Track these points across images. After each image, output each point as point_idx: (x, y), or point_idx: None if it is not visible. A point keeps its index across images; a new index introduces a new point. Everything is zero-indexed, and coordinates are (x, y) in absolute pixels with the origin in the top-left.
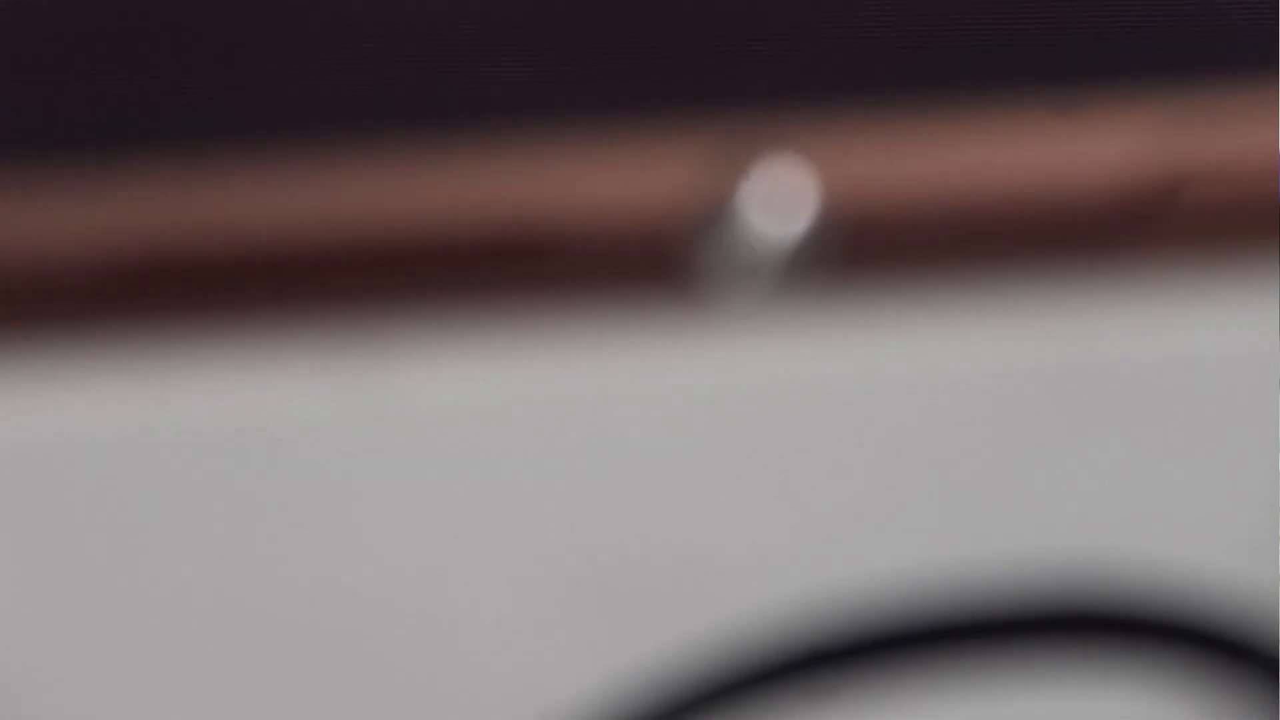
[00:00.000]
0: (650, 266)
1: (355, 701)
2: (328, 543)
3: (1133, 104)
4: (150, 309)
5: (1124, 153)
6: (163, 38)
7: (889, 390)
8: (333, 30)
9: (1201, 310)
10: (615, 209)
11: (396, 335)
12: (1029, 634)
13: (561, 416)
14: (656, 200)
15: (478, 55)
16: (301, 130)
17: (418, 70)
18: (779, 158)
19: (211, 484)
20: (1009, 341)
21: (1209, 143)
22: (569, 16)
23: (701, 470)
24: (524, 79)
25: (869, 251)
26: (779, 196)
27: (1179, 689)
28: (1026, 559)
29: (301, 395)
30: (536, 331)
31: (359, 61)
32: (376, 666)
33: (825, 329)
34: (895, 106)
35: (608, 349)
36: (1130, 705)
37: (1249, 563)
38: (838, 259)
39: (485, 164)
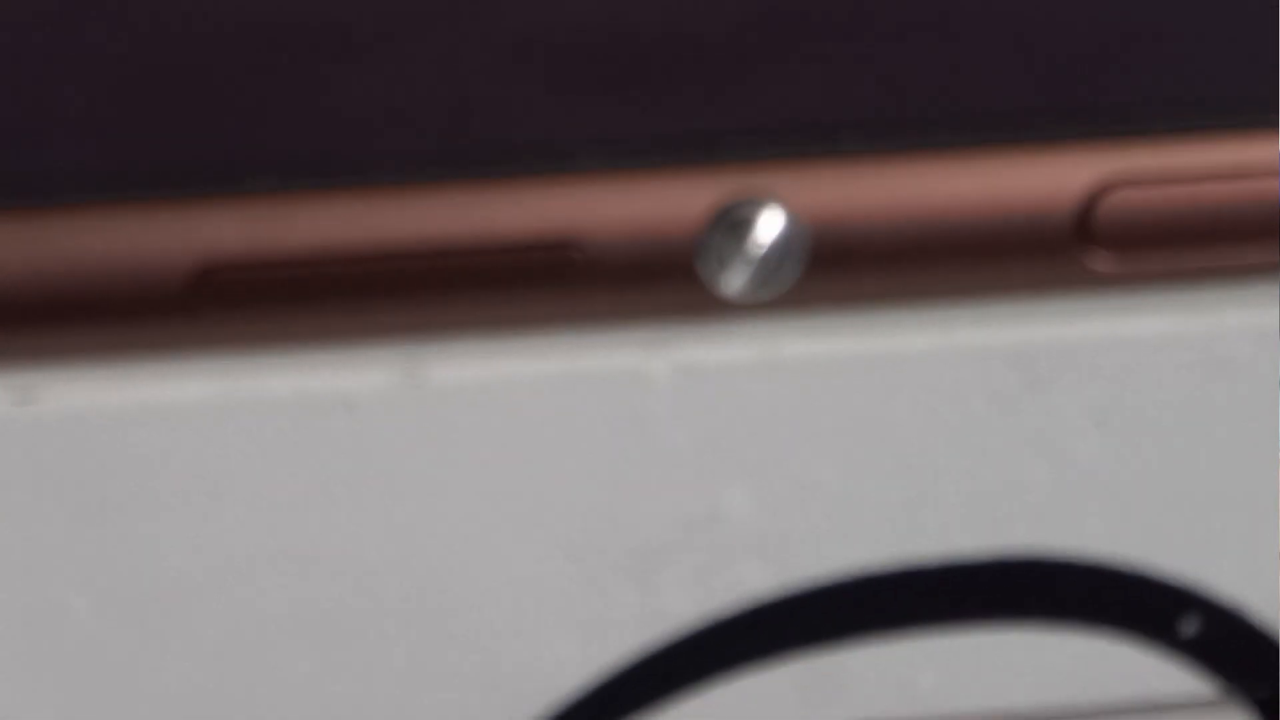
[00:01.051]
0: (661, 271)
1: (412, 643)
2: (386, 497)
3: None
4: (253, 312)
5: (1061, 183)
6: (236, 83)
7: (863, 371)
8: (412, 73)
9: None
10: (634, 224)
11: (460, 327)
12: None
13: (586, 395)
14: (667, 217)
15: (523, 105)
16: (370, 160)
17: (476, 114)
18: (772, 186)
19: (294, 450)
20: (966, 332)
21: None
22: (592, 76)
23: (706, 435)
24: (564, 124)
25: (845, 261)
26: (770, 217)
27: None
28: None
29: (371, 375)
30: (569, 323)
31: (430, 103)
32: (429, 609)
33: (811, 322)
34: (872, 144)
35: (629, 338)
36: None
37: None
38: (816, 266)
39: (530, 187)
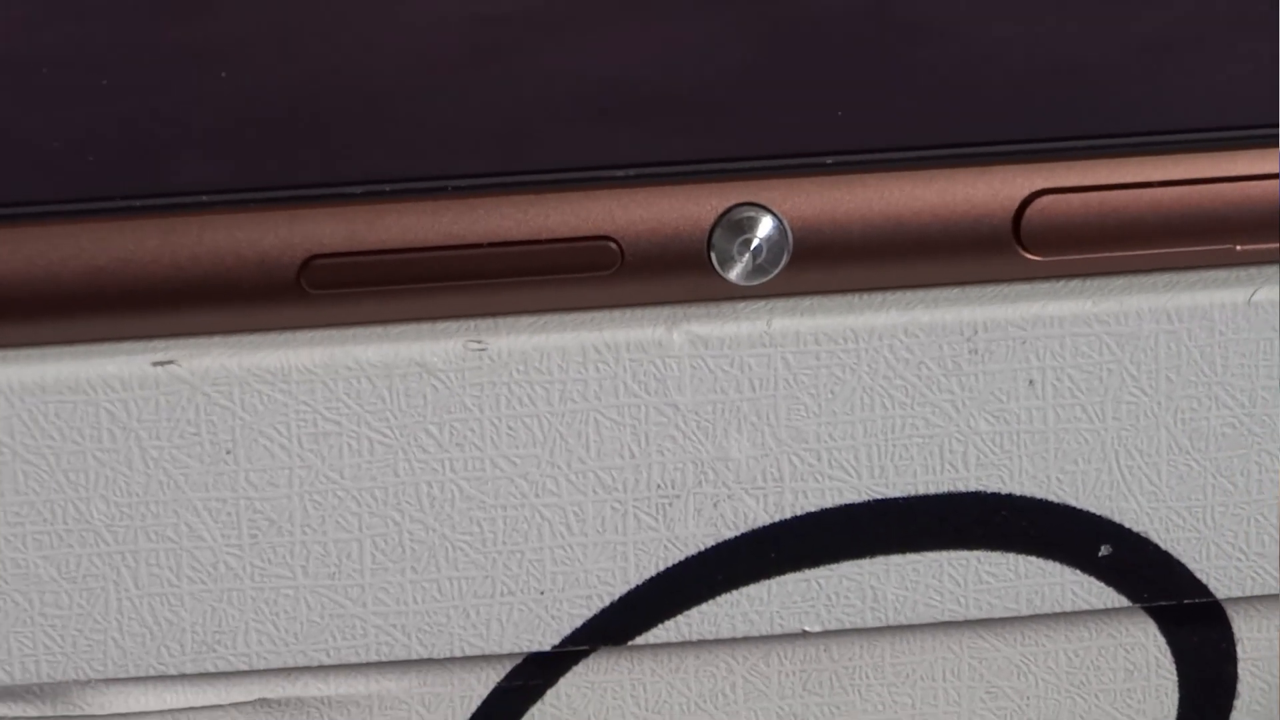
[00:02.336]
0: (679, 261)
1: (480, 561)
2: (456, 444)
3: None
4: (348, 294)
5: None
6: (338, 109)
7: (840, 342)
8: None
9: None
10: (659, 224)
11: (509, 311)
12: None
13: (618, 360)
14: (685, 219)
15: (573, 131)
16: (448, 172)
17: (536, 138)
18: (765, 196)
19: (382, 405)
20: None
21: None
22: (626, 109)
23: (714, 394)
24: (605, 146)
25: (823, 255)
26: (764, 220)
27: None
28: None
29: (432, 350)
30: (606, 302)
31: (499, 127)
32: (492, 533)
33: (796, 303)
34: (845, 163)
35: (653, 314)
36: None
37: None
38: (800, 259)
39: (578, 195)
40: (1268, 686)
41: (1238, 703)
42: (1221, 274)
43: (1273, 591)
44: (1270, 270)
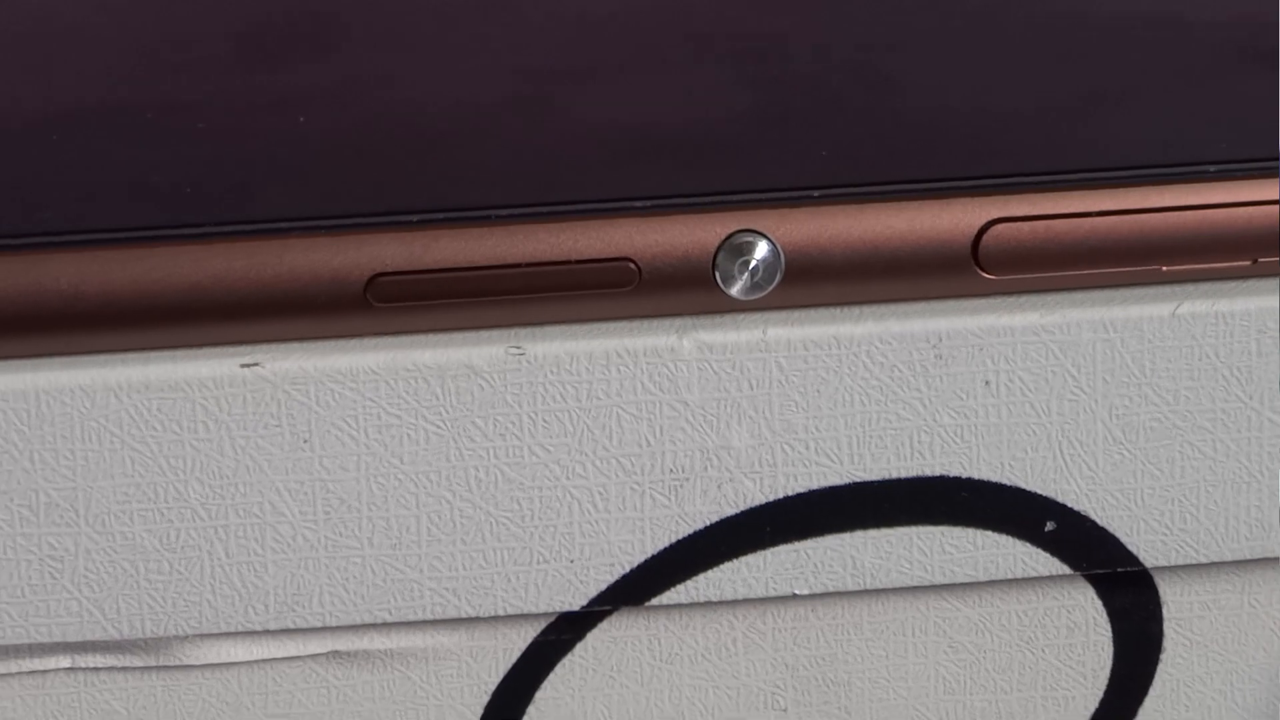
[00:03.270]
0: (688, 279)
1: (517, 533)
2: (498, 433)
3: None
4: (406, 306)
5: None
6: (398, 151)
7: (825, 347)
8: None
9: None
10: (671, 247)
11: (545, 321)
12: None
13: (636, 362)
14: (693, 243)
15: (598, 168)
16: (491, 203)
17: (567, 173)
18: (761, 223)
19: (435, 400)
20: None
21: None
22: (644, 151)
23: (718, 391)
24: (625, 182)
25: (810, 274)
26: (760, 244)
27: None
28: None
29: (481, 352)
30: (626, 313)
31: (534, 166)
32: (528, 508)
33: (788, 315)
34: (828, 196)
35: (666, 324)
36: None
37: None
38: (790, 277)
39: (603, 222)
40: (1189, 643)
41: (1163, 656)
42: (1150, 290)
43: (1193, 561)
44: (1191, 287)
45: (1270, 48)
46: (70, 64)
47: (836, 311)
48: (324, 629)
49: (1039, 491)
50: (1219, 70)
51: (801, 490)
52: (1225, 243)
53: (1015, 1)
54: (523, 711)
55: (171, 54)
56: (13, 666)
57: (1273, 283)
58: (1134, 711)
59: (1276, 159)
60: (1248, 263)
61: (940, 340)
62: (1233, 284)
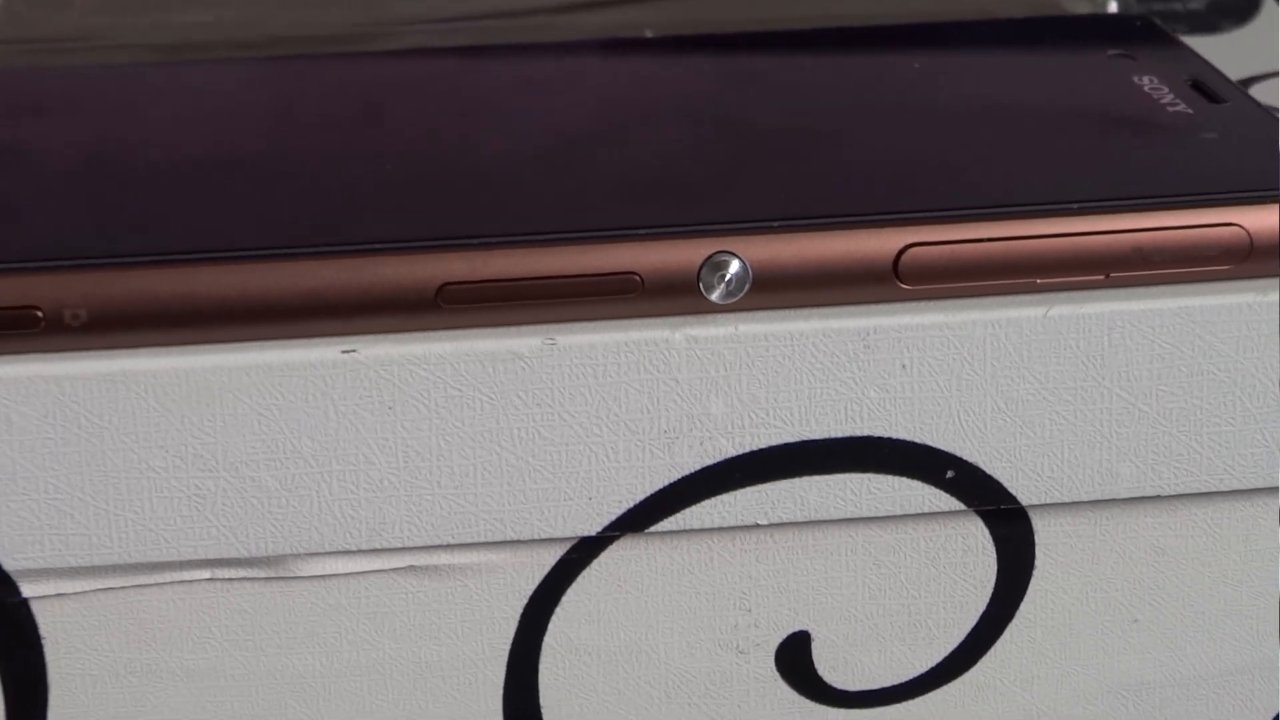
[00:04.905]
0: (679, 288)
1: (542, 482)
2: (536, 403)
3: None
4: (469, 308)
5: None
6: (458, 190)
7: (780, 340)
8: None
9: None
10: (666, 263)
11: (571, 319)
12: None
13: (639, 351)
14: (683, 260)
15: (608, 202)
16: (532, 231)
17: (585, 208)
18: (734, 246)
19: (491, 379)
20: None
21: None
22: (643, 189)
23: (701, 372)
24: (630, 212)
25: (771, 285)
26: (733, 262)
27: None
28: None
29: (523, 343)
30: (631, 315)
31: (559, 201)
32: (552, 462)
33: (755, 315)
34: (785, 225)
35: (662, 322)
36: None
37: None
38: (756, 287)
39: (614, 244)
40: (1055, 563)
41: (1035, 573)
42: (1028, 298)
43: (1058, 500)
44: (1059, 295)
45: (1119, 116)
46: (211, 125)
47: (790, 313)
48: (403, 549)
49: (942, 448)
50: (1079, 133)
51: (763, 446)
52: (1085, 262)
53: (924, 82)
54: (551, 611)
55: (286, 118)
56: (166, 577)
57: (1123, 292)
58: (1012, 613)
59: (1125, 199)
60: (1102, 277)
61: (868, 335)
62: (1091, 293)
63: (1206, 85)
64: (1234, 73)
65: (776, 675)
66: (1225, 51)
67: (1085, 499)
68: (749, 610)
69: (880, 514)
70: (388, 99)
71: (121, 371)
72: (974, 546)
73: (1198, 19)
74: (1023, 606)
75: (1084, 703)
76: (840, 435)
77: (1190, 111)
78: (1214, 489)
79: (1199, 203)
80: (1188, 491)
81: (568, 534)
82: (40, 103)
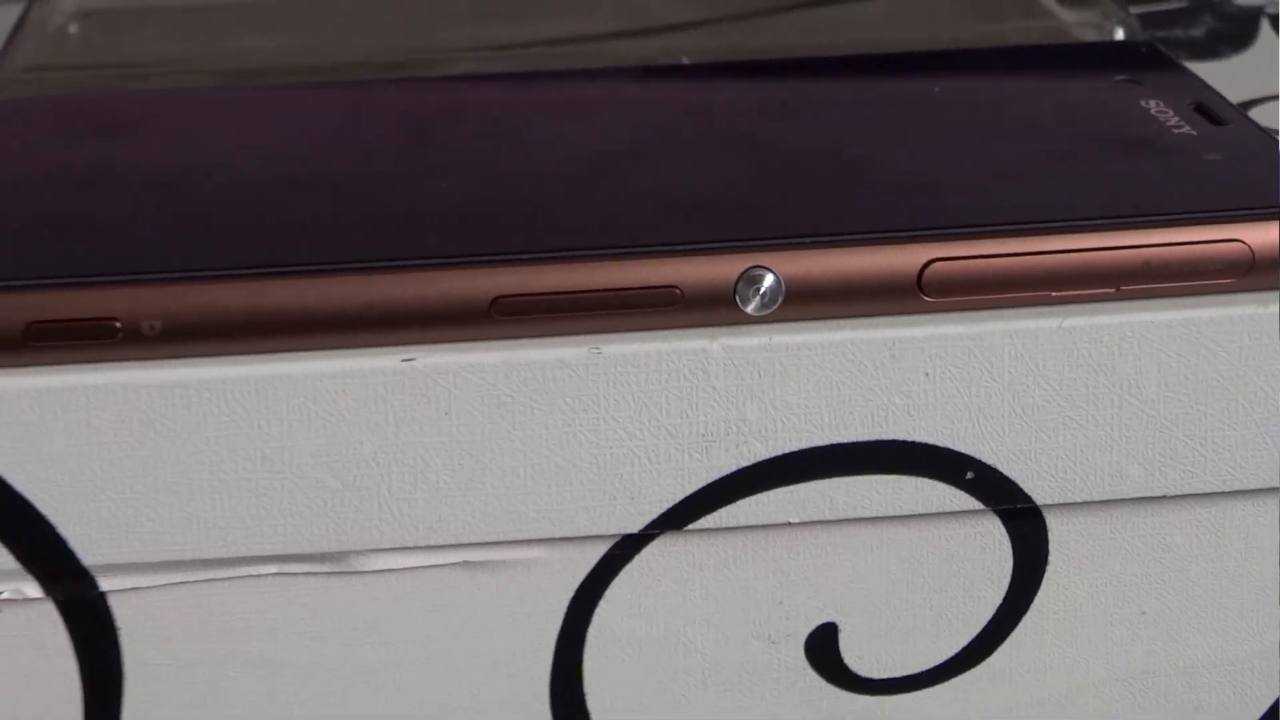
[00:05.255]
0: (717, 300)
1: (586, 476)
2: (581, 403)
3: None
4: (520, 318)
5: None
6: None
7: (812, 350)
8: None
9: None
10: (705, 277)
11: (615, 329)
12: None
13: (680, 360)
14: (720, 274)
15: (654, 222)
16: (572, 244)
17: (631, 226)
18: (768, 261)
19: (538, 383)
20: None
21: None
22: (685, 208)
23: (737, 379)
24: (672, 230)
25: (803, 298)
26: (768, 276)
27: None
28: None
29: (570, 352)
30: (673, 325)
31: (607, 220)
32: (597, 457)
33: (788, 326)
34: (815, 241)
35: (701, 333)
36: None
37: None
38: (789, 300)
39: (657, 260)
40: (1067, 558)
41: (1049, 568)
42: (1044, 309)
43: (1071, 500)
44: (1073, 308)
45: (1127, 138)
46: (274, 146)
47: (821, 324)
48: (457, 545)
49: (963, 451)
50: (1090, 153)
51: (795, 449)
52: (1096, 276)
53: (943, 106)
54: (596, 604)
55: (345, 139)
56: (236, 572)
57: (1132, 304)
58: (1027, 606)
59: (1134, 216)
60: (1113, 290)
61: (894, 344)
62: (1102, 305)
63: (1209, 108)
64: (1234, 96)
65: (806, 664)
66: (1226, 76)
67: (1096, 499)
68: (781, 603)
69: (904, 513)
70: (440, 121)
71: (194, 379)
72: (991, 544)
73: (1199, 46)
74: (1037, 600)
75: (1094, 690)
76: (867, 439)
77: (1194, 133)
78: (1217, 489)
79: (1204, 219)
80: (1192, 492)
81: (611, 531)
82: (113, 125)
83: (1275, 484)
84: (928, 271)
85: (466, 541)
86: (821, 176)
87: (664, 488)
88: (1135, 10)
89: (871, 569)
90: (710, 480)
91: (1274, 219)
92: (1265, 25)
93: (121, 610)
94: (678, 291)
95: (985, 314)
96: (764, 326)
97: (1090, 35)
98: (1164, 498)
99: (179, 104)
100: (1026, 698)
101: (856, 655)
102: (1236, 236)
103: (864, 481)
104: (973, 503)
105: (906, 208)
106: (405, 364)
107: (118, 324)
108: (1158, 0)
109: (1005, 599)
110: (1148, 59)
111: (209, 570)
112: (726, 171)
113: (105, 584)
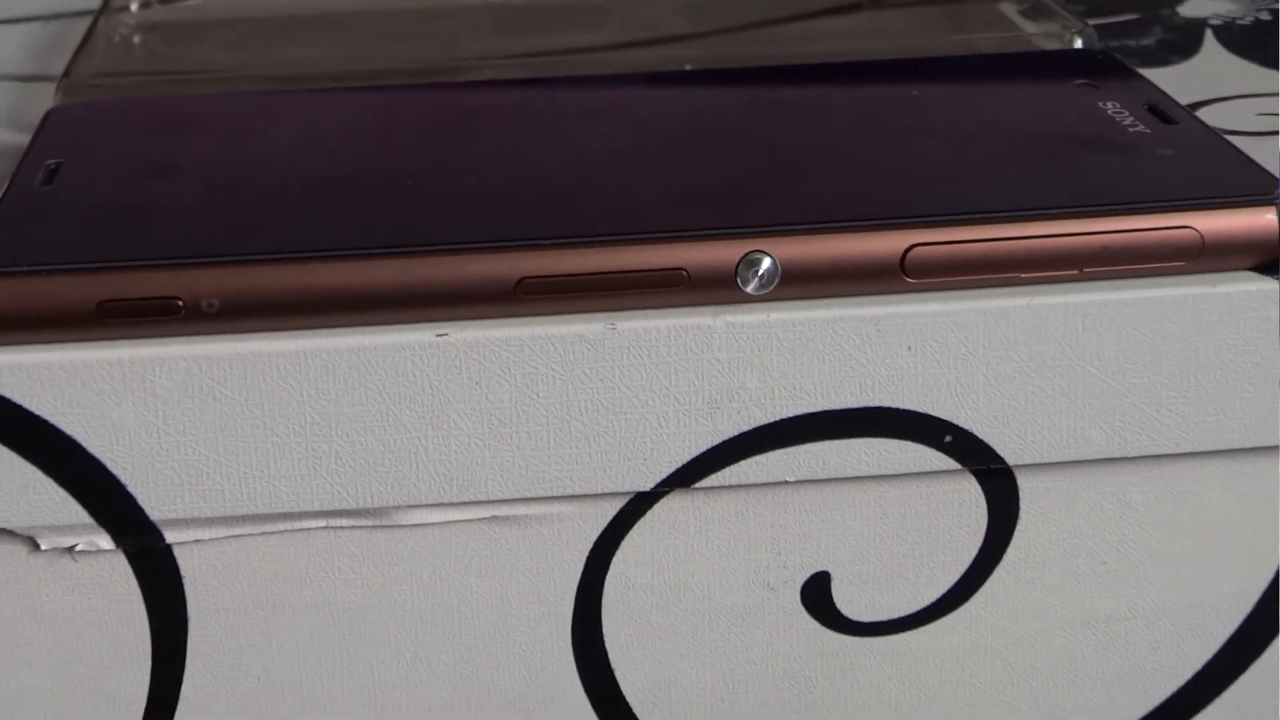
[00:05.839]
0: (719, 281)
1: (602, 442)
2: (597, 374)
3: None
4: (549, 298)
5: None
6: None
7: (805, 326)
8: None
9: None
10: (709, 260)
11: (628, 308)
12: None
13: (686, 335)
14: (722, 258)
15: (664, 210)
16: (590, 230)
17: (643, 214)
18: (766, 245)
19: (560, 356)
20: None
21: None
22: (689, 198)
23: (738, 353)
24: (679, 218)
25: (797, 279)
26: (765, 260)
27: None
28: None
29: (588, 328)
30: (680, 305)
31: (620, 210)
32: (611, 421)
33: (784, 305)
34: (807, 228)
35: (705, 311)
36: None
37: None
38: (785, 281)
39: (666, 244)
40: (1035, 512)
41: (1019, 521)
42: (1014, 290)
43: (1039, 461)
44: (1040, 288)
45: (1087, 136)
46: (321, 144)
47: (813, 303)
48: (487, 501)
49: (941, 416)
50: (1054, 150)
51: (790, 415)
52: (1062, 259)
53: (922, 107)
54: (612, 555)
55: (384, 137)
56: (287, 526)
57: (1094, 285)
58: (1000, 557)
59: (1095, 206)
60: (1076, 272)
61: (879, 321)
62: (1067, 285)
63: (1161, 109)
64: (1183, 98)
65: (801, 608)
66: (1175, 81)
67: (1062, 460)
68: (779, 554)
69: (889, 473)
70: (470, 122)
71: (250, 352)
72: (968, 500)
73: (1150, 54)
74: (1009, 551)
75: (1060, 632)
76: (855, 406)
77: (1148, 131)
78: (1171, 451)
79: (1158, 209)
80: (1149, 453)
81: (626, 489)
82: (174, 125)
83: (1224, 446)
84: (909, 255)
85: (495, 498)
86: (813, 170)
87: (673, 450)
88: (1093, 22)
89: (860, 523)
90: (715, 443)
91: (1221, 208)
92: (1209, 35)
93: (185, 560)
94: (684, 273)
95: (961, 293)
96: (762, 305)
97: (1052, 44)
98: (1123, 459)
99: (233, 106)
100: (1000, 638)
101: (847, 600)
102: (1188, 224)
103: (853, 444)
104: (951, 463)
105: (890, 198)
106: (439, 338)
107: (180, 302)
108: (1113, 14)
109: (980, 550)
110: (1104, 65)
111: (264, 524)
112: (727, 166)
113: (171, 536)
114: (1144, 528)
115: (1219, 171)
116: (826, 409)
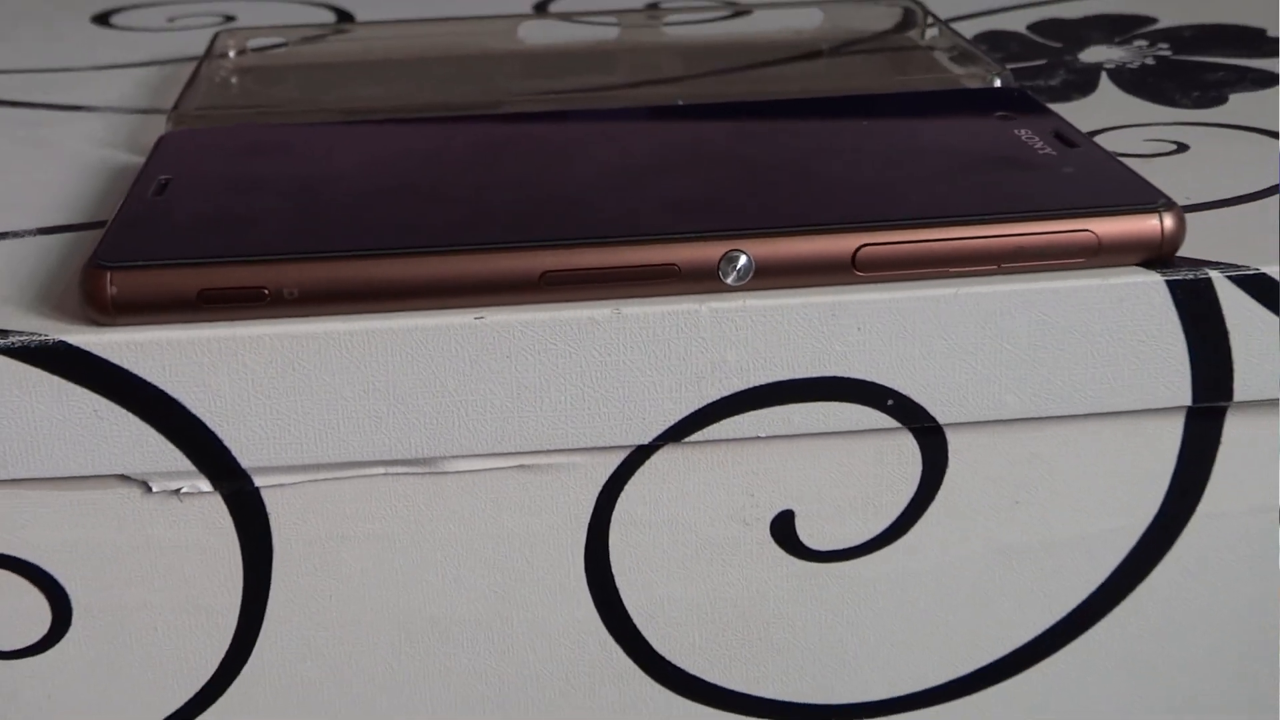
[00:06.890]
0: (704, 275)
1: (607, 410)
2: (604, 348)
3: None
4: (564, 289)
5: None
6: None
7: (775, 312)
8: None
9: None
10: (696, 258)
11: (631, 296)
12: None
13: (676, 319)
14: (706, 255)
15: (657, 216)
16: (599, 232)
17: (639, 220)
18: (743, 245)
19: (574, 336)
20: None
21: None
22: (681, 204)
23: (720, 332)
24: (671, 222)
25: (769, 274)
26: (742, 257)
27: None
28: None
29: (598, 312)
30: (672, 294)
31: (622, 212)
32: (614, 387)
33: (758, 293)
34: (780, 231)
35: (692, 299)
36: None
37: None
38: (759, 275)
39: (659, 245)
40: (963, 464)
41: (948, 470)
42: (944, 281)
43: (966, 420)
44: (965, 280)
45: (1004, 157)
46: (380, 165)
47: (782, 292)
48: (515, 453)
49: (885, 384)
50: (977, 169)
51: (763, 382)
52: (983, 256)
53: (868, 133)
54: (618, 496)
55: (433, 159)
56: (354, 472)
57: (1010, 278)
58: (932, 498)
59: (1010, 213)
60: (995, 267)
61: (834, 307)
62: (988, 278)
63: (1065, 135)
64: (1084, 127)
65: (771, 540)
66: (1077, 113)
67: (983, 419)
68: (752, 495)
69: (842, 430)
70: (502, 146)
71: (323, 332)
72: (906, 453)
73: (1056, 91)
74: (939, 494)
75: (981, 559)
76: (814, 375)
77: (1054, 153)
78: (1071, 413)
79: (1062, 215)
80: (1054, 414)
81: (628, 443)
82: (262, 148)
83: (1114, 409)
84: (860, 254)
85: (522, 450)
86: (782, 184)
87: (666, 411)
88: (1010, 66)
89: (819, 471)
90: (700, 405)
91: (1114, 215)
92: (1104, 77)
93: (271, 500)
94: (677, 268)
95: (902, 285)
96: (740, 294)
97: (976, 84)
98: (1034, 419)
99: (309, 134)
100: (931, 566)
101: (809, 534)
102: (1086, 228)
103: (813, 407)
104: (892, 423)
105: (844, 207)
106: (477, 321)
107: (266, 291)
108: (1026, 59)
109: (916, 493)
110: (1019, 101)
111: (334, 471)
112: (712, 180)
113: (259, 481)
114: (1049, 475)
115: (1112, 186)
116: (791, 378)
